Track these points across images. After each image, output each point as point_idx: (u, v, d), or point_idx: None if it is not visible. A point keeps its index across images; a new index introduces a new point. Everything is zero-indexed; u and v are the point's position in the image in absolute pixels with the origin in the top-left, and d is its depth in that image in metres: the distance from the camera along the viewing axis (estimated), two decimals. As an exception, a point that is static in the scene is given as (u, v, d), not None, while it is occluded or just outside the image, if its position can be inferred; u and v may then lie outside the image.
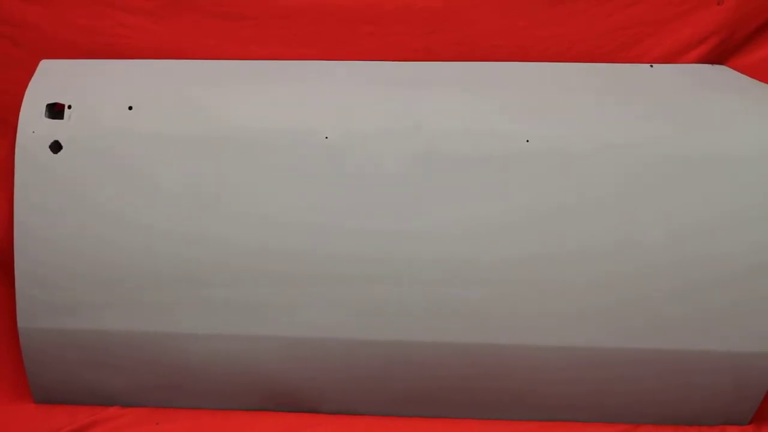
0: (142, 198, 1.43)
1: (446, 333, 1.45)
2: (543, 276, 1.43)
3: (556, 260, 1.42)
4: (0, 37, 1.61)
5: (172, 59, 1.58)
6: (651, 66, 1.56)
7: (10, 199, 1.45)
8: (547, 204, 1.41)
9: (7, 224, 1.50)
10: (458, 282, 1.43)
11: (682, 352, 1.45)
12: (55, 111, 1.45)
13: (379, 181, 1.42)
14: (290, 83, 1.51)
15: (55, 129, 1.43)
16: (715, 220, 1.41)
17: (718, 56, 1.57)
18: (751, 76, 1.53)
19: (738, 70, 1.55)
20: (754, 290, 1.42)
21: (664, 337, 1.44)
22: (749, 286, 1.42)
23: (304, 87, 1.50)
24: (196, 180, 1.43)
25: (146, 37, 1.59)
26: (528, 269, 1.43)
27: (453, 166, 1.42)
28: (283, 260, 1.44)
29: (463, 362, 1.47)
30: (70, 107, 1.44)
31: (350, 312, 1.45)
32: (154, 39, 1.59)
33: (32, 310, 1.46)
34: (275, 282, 1.44)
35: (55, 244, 1.44)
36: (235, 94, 1.48)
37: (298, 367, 1.50)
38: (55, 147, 1.43)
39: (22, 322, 1.47)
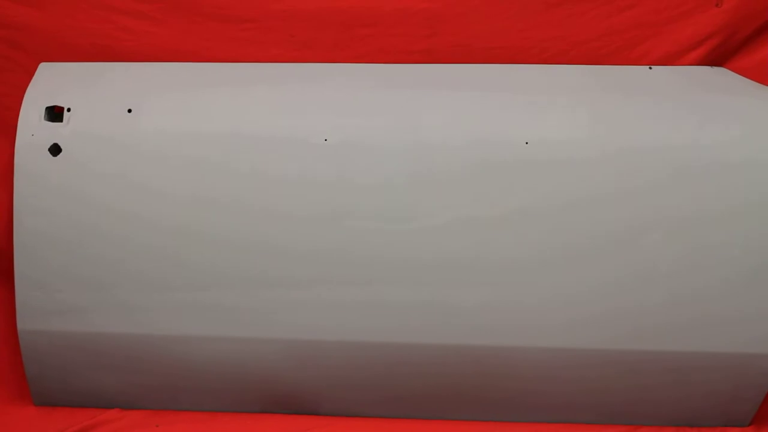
0: (141, 201, 1.43)
1: (446, 335, 1.45)
2: (543, 278, 1.43)
3: (556, 262, 1.43)
4: (-1, 40, 1.62)
5: (171, 62, 1.58)
6: (650, 68, 1.56)
7: (9, 202, 1.45)
8: (547, 206, 1.41)
9: (7, 227, 1.50)
10: (458, 284, 1.43)
11: (682, 353, 1.45)
12: (55, 114, 1.45)
13: (378, 183, 1.42)
14: (290, 86, 1.51)
15: (55, 132, 1.43)
16: (714, 221, 1.41)
17: (717, 58, 1.57)
18: (750, 78, 1.53)
19: (737, 72, 1.55)
20: (754, 292, 1.42)
21: (665, 339, 1.44)
22: (749, 287, 1.42)
23: (303, 89, 1.50)
24: (195, 183, 1.43)
25: (145, 40, 1.59)
26: (528, 271, 1.43)
27: (452, 168, 1.42)
28: (284, 262, 1.44)
29: (463, 364, 1.47)
30: (69, 110, 1.44)
31: (350, 314, 1.45)
32: (153, 42, 1.59)
33: (32, 313, 1.46)
34: (275, 284, 1.44)
35: (55, 246, 1.44)
36: (235, 96, 1.48)
37: (298, 370, 1.50)
38: (55, 150, 1.43)
39: (21, 325, 1.47)
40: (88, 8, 1.58)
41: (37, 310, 1.46)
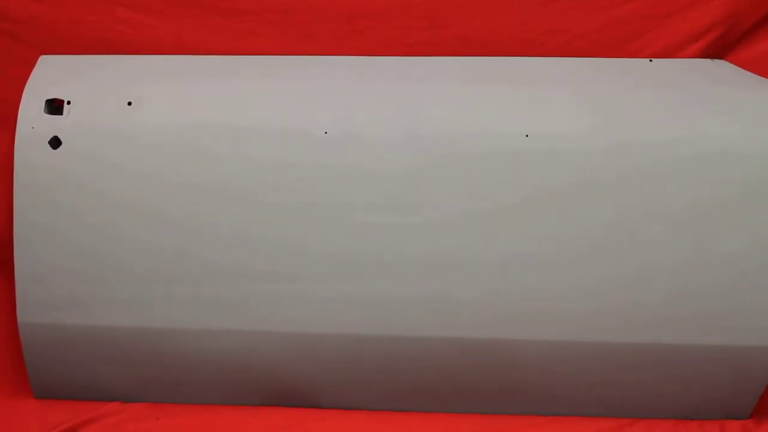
0: (141, 194, 1.43)
1: (446, 328, 1.45)
2: (542, 271, 1.43)
3: (556, 255, 1.42)
4: (-1, 33, 1.62)
5: (171, 55, 1.58)
6: (650, 60, 1.56)
7: (9, 195, 1.45)
8: (547, 198, 1.41)
9: (7, 220, 1.50)
10: (458, 277, 1.43)
11: (681, 346, 1.45)
12: (55, 107, 1.45)
13: (378, 176, 1.42)
14: (289, 78, 1.51)
15: (55, 124, 1.43)
16: (715, 214, 1.41)
17: (717, 51, 1.57)
18: (751, 71, 1.53)
19: (737, 65, 1.55)
20: (754, 284, 1.42)
21: (664, 332, 1.44)
22: (749, 280, 1.42)
23: (303, 82, 1.50)
24: (195, 176, 1.43)
25: (145, 32, 1.59)
26: (528, 264, 1.43)
27: (452, 160, 1.42)
28: (283, 255, 1.44)
29: (462, 357, 1.47)
30: (69, 103, 1.44)
31: (351, 307, 1.45)
32: (153, 35, 1.59)
33: (32, 306, 1.46)
34: (276, 277, 1.44)
35: (55, 239, 1.44)
36: (234, 89, 1.48)
37: (298, 363, 1.50)
38: (55, 143, 1.43)
39: (22, 318, 1.47)
40: (88, 1, 1.58)
41: (37, 303, 1.46)
